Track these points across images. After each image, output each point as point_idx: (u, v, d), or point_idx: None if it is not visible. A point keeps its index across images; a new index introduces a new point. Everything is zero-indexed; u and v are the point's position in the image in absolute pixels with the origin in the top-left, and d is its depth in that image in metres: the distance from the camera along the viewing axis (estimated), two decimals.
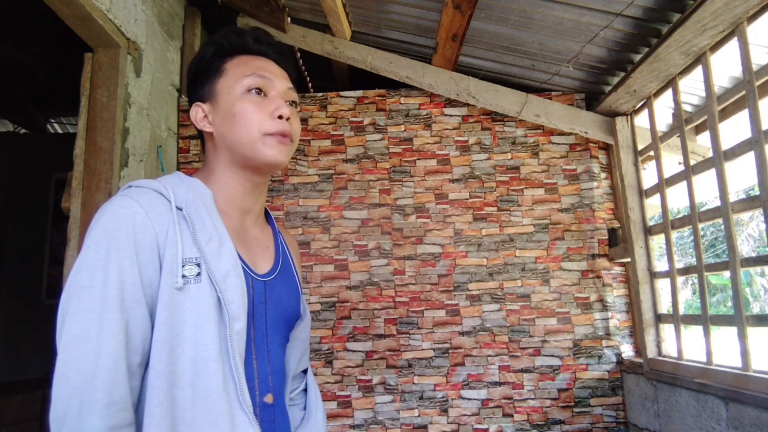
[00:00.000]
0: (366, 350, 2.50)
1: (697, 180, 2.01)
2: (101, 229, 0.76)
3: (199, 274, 0.79)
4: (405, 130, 2.70)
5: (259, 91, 0.91)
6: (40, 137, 4.53)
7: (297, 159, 2.67)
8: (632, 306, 2.53)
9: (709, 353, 1.90)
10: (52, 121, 5.11)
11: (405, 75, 2.63)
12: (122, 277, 0.74)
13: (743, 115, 1.91)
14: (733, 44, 1.74)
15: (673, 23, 1.91)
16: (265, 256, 0.95)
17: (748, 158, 1.69)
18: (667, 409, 2.08)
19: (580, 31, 2.18)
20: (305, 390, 1.07)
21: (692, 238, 2.04)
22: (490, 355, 2.48)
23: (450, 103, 2.72)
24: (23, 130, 4.69)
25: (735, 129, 2.08)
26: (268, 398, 0.85)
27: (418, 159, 2.68)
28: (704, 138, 2.52)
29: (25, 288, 3.83)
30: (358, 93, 2.74)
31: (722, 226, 2.12)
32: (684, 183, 2.06)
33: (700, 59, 1.91)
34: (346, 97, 2.74)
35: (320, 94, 2.75)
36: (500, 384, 2.46)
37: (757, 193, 1.63)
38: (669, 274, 2.18)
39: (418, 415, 2.44)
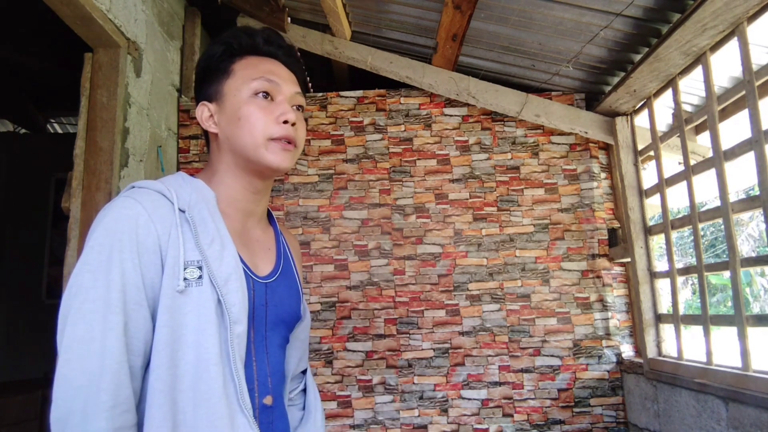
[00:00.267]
0: (366, 350, 2.50)
1: (697, 180, 2.01)
2: (104, 229, 0.76)
3: (200, 277, 0.79)
4: (405, 130, 2.70)
5: (266, 94, 0.90)
6: (40, 137, 4.53)
7: (297, 159, 2.67)
8: (632, 306, 2.53)
9: (709, 353, 1.90)
10: (52, 121, 5.11)
11: (405, 75, 2.63)
12: (125, 279, 0.74)
13: (743, 115, 1.91)
14: (733, 44, 1.74)
15: (673, 23, 1.91)
16: (266, 257, 0.95)
17: (748, 158, 1.69)
18: (667, 409, 2.08)
19: (580, 31, 2.18)
20: (304, 390, 1.07)
21: (692, 238, 2.04)
22: (490, 355, 2.48)
23: (450, 103, 2.72)
24: (23, 130, 4.69)
25: (735, 129, 2.08)
26: (268, 400, 0.85)
27: (418, 159, 2.68)
28: (704, 138, 2.52)
29: (25, 288, 3.82)
30: (358, 93, 2.74)
31: (722, 226, 2.12)
32: (684, 183, 2.06)
33: (700, 59, 1.91)
34: (346, 97, 2.74)
35: (320, 94, 2.75)
36: (500, 384, 2.46)
37: (757, 193, 1.63)
38: (669, 274, 2.18)
39: (418, 415, 2.44)
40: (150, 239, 0.77)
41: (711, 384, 1.78)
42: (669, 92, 2.16)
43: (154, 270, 0.77)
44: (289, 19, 2.71)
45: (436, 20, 2.39)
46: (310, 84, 3.54)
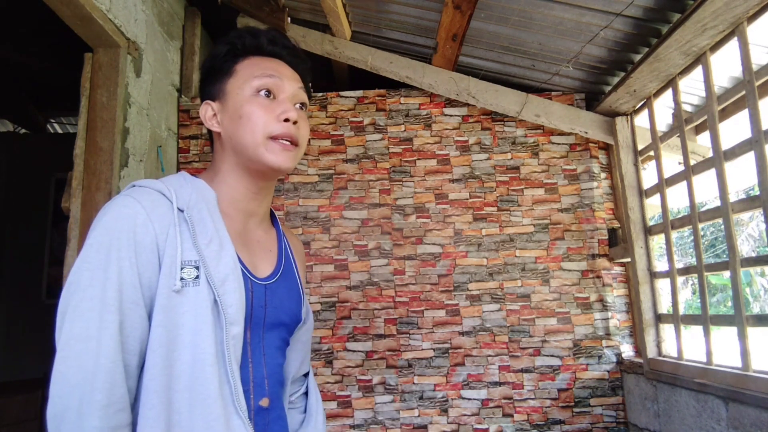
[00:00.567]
0: (366, 350, 2.50)
1: (697, 180, 2.01)
2: (103, 228, 0.77)
3: (197, 277, 0.79)
4: (405, 130, 2.70)
5: (268, 93, 0.90)
6: (40, 137, 4.53)
7: (300, 158, 2.67)
8: (632, 306, 2.53)
9: (709, 353, 1.90)
10: (52, 121, 5.11)
11: (405, 75, 2.63)
12: (122, 278, 0.75)
13: (743, 115, 1.91)
14: (733, 44, 1.74)
15: (673, 23, 1.91)
16: (267, 258, 0.94)
17: (748, 158, 1.69)
18: (667, 409, 2.08)
19: (580, 31, 2.18)
20: (306, 393, 1.06)
21: (692, 238, 2.04)
22: (490, 355, 2.48)
23: (450, 103, 2.72)
24: (23, 130, 4.69)
25: (735, 129, 2.08)
26: (264, 402, 0.85)
27: (418, 159, 2.68)
28: (704, 138, 2.52)
29: (25, 288, 3.83)
30: (358, 93, 2.74)
31: (722, 226, 2.12)
32: (684, 183, 2.06)
33: (700, 59, 1.91)
34: (346, 97, 2.74)
35: (320, 94, 2.75)
36: (500, 384, 2.46)
37: (757, 193, 1.63)
38: (669, 274, 2.17)
39: (418, 415, 2.44)
40: (148, 238, 0.77)
41: (711, 384, 1.78)
42: (669, 92, 2.16)
43: (152, 269, 0.77)
44: (289, 19, 2.71)
45: (436, 20, 2.39)
46: (310, 84, 3.53)
